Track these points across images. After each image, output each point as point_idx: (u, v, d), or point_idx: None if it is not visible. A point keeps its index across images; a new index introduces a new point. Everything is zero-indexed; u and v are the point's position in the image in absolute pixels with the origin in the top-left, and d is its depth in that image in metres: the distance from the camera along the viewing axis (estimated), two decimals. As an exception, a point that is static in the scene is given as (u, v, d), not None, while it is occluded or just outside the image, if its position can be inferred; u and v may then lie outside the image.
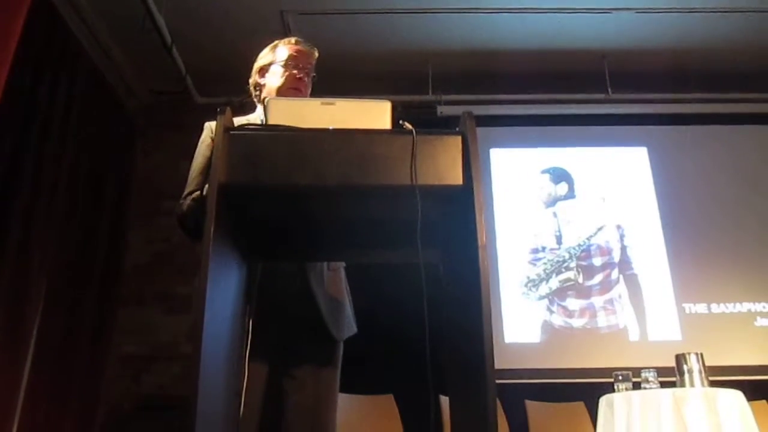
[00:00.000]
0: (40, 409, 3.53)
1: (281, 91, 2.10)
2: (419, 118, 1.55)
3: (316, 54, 2.21)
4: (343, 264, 2.17)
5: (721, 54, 4.88)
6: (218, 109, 1.46)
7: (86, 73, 4.19)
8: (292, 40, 2.21)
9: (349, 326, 2.11)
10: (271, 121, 1.55)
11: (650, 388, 2.96)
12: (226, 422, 1.58)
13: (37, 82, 3.65)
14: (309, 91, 2.17)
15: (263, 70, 2.19)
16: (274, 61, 2.17)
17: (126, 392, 4.36)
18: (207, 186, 1.84)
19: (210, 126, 2.04)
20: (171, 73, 4.69)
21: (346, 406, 3.39)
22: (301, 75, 2.12)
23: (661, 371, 3.08)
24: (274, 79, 2.13)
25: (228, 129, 1.48)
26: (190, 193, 1.90)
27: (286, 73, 2.12)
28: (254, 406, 1.90)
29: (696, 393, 2.81)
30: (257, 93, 2.20)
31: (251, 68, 2.25)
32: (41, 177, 3.62)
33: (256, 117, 2.13)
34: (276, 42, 2.22)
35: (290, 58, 2.14)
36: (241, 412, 1.70)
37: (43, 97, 3.68)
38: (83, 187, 4.11)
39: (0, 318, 3.28)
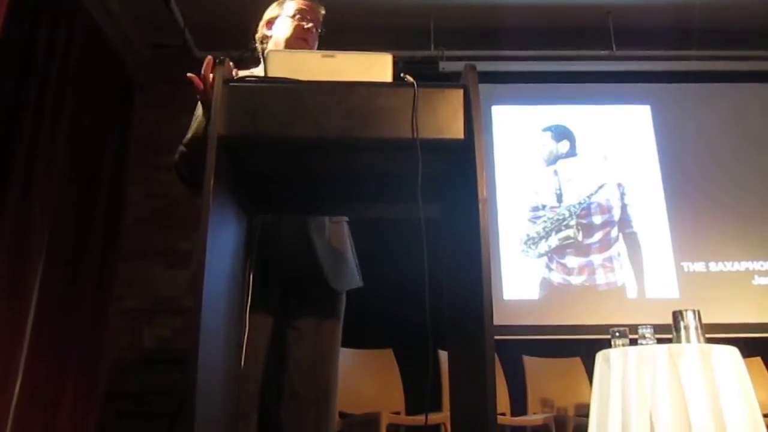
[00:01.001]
0: (44, 363, 3.58)
1: (289, 42, 2.09)
2: (421, 74, 1.53)
3: (323, 11, 2.20)
4: (346, 218, 2.17)
5: (726, 10, 4.80)
6: (217, 60, 1.45)
7: (84, 26, 4.13)
8: None
9: (352, 279, 2.12)
10: (270, 74, 1.54)
11: (647, 344, 2.98)
12: (228, 374, 1.60)
13: (34, 35, 3.60)
14: (316, 45, 2.15)
15: (270, 23, 2.18)
16: (281, 14, 2.16)
17: (128, 346, 4.41)
18: (192, 132, 1.84)
19: None
20: (170, 27, 4.63)
21: (347, 360, 3.43)
22: (309, 26, 2.11)
23: (658, 328, 3.10)
24: (282, 30, 2.12)
25: (227, 81, 1.46)
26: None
27: (294, 24, 2.10)
28: (257, 357, 1.93)
29: (692, 348, 2.84)
30: (263, 46, 2.19)
31: (251, 21, 2.23)
32: (40, 131, 3.60)
33: (260, 71, 2.11)
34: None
35: (298, 10, 2.13)
36: (242, 364, 1.72)
37: (40, 50, 3.63)
38: (83, 141, 4.09)
39: (2, 271, 3.29)
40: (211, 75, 1.62)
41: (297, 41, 2.09)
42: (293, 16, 2.11)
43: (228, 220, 1.53)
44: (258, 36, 2.21)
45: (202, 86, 1.65)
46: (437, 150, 1.48)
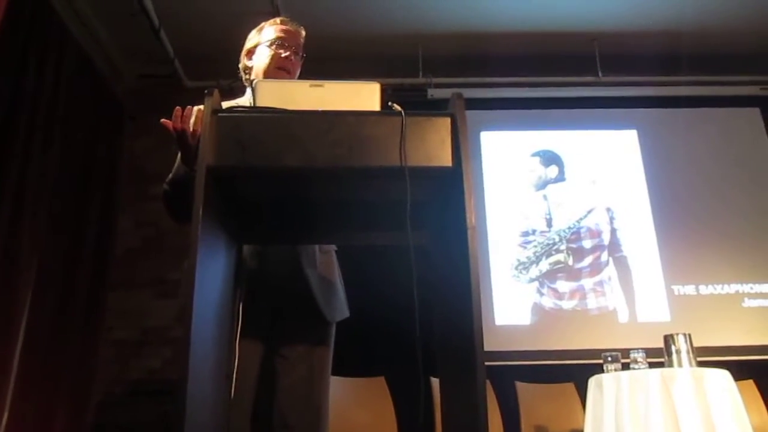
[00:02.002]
0: (32, 394, 3.53)
1: (268, 72, 2.08)
2: (409, 101, 1.54)
3: (303, 33, 2.19)
4: (335, 247, 2.17)
5: (711, 37, 4.88)
6: (206, 91, 1.45)
7: (74, 57, 4.15)
8: (278, 20, 2.20)
9: (341, 309, 2.11)
10: (259, 104, 1.54)
11: (639, 369, 2.98)
12: (217, 405, 1.58)
13: (23, 66, 3.61)
14: (298, 70, 2.16)
15: (250, 53, 2.18)
16: (260, 42, 2.15)
17: (117, 377, 4.36)
18: (172, 174, 1.85)
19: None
20: (159, 57, 4.66)
21: (338, 388, 3.39)
22: (288, 53, 2.10)
23: (650, 352, 3.10)
24: (261, 60, 2.12)
25: (216, 111, 1.47)
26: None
27: (273, 54, 2.10)
28: (247, 387, 1.90)
29: (684, 373, 2.84)
30: (246, 76, 2.19)
31: (239, 51, 2.24)
32: (30, 161, 3.60)
33: (245, 100, 2.12)
34: (262, 24, 2.21)
35: (277, 38, 2.12)
36: (232, 395, 1.70)
37: (29, 82, 3.64)
38: (72, 171, 4.08)
39: (-10, 303, 3.27)
40: (190, 123, 1.66)
41: (276, 71, 2.08)
42: (271, 45, 2.11)
43: (217, 249, 1.53)
44: (241, 66, 2.21)
45: (174, 133, 1.67)
46: (426, 177, 1.48)
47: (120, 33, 4.57)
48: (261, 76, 2.09)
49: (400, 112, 1.48)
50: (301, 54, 2.16)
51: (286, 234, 1.88)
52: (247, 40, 2.21)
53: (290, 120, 1.47)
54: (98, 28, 4.47)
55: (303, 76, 2.17)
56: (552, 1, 4.54)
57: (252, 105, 2.00)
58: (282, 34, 2.13)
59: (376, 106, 1.55)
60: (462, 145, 1.45)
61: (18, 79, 3.57)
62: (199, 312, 1.31)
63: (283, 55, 2.10)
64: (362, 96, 1.57)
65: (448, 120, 1.50)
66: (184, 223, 1.72)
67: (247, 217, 1.69)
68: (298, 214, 1.72)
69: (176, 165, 1.88)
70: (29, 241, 3.56)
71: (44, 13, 3.81)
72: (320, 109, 1.50)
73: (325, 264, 2.08)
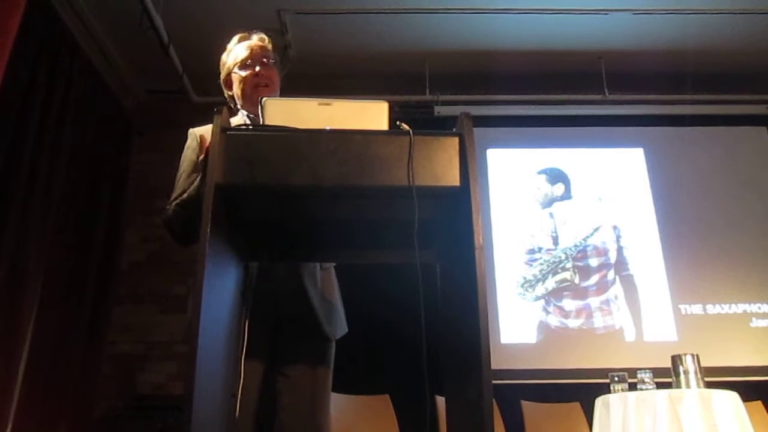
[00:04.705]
0: (35, 408, 3.53)
1: (246, 96, 2.09)
2: (416, 118, 1.55)
3: (267, 39, 2.18)
4: (333, 263, 2.16)
5: (717, 55, 4.90)
6: (215, 109, 1.46)
7: (83, 72, 4.19)
8: (236, 38, 2.19)
9: (341, 325, 2.11)
10: (267, 122, 1.55)
11: (646, 389, 2.96)
12: (222, 423, 1.58)
13: (33, 81, 3.64)
14: (276, 77, 2.14)
15: (227, 83, 2.18)
16: (231, 69, 2.15)
17: (121, 391, 4.35)
18: (190, 188, 1.84)
19: (194, 132, 2.04)
20: (168, 73, 4.69)
21: (343, 406, 3.38)
22: (258, 69, 2.09)
23: (657, 372, 3.09)
24: (237, 86, 2.12)
25: (224, 129, 1.47)
26: (177, 198, 1.89)
27: (244, 76, 2.10)
28: (248, 405, 1.89)
29: (691, 394, 2.82)
30: (233, 104, 2.19)
31: None
32: (37, 175, 3.62)
33: (238, 119, 2.12)
34: (228, 46, 2.20)
35: (242, 60, 2.12)
36: (237, 413, 1.70)
37: (39, 96, 3.68)
38: (79, 186, 4.10)
39: (-5, 317, 3.28)
40: None
41: (254, 91, 2.07)
42: (241, 68, 2.11)
43: (224, 267, 1.53)
44: (226, 96, 2.20)
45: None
46: (433, 197, 1.48)
47: (129, 49, 4.61)
48: (243, 101, 2.10)
49: (408, 131, 1.48)
50: (273, 60, 2.14)
51: (293, 252, 1.87)
52: (221, 67, 2.20)
53: (298, 138, 1.47)
54: (108, 44, 4.50)
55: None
56: (558, 19, 4.56)
57: (250, 124, 2.02)
58: (246, 53, 2.13)
59: (384, 125, 1.55)
60: (470, 165, 1.45)
61: (28, 94, 3.60)
62: (205, 329, 1.31)
63: (254, 73, 2.09)
64: (370, 114, 1.57)
65: (456, 140, 1.50)
66: (190, 244, 1.71)
67: (254, 234, 1.69)
68: (306, 232, 1.72)
69: (195, 185, 1.84)
70: (35, 254, 3.57)
71: (55, 29, 3.85)
72: (328, 127, 1.50)
73: (325, 281, 2.08)
